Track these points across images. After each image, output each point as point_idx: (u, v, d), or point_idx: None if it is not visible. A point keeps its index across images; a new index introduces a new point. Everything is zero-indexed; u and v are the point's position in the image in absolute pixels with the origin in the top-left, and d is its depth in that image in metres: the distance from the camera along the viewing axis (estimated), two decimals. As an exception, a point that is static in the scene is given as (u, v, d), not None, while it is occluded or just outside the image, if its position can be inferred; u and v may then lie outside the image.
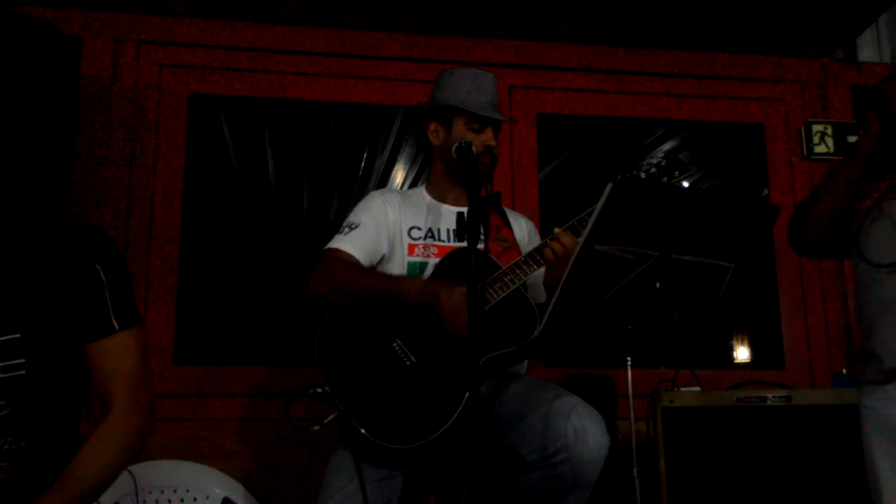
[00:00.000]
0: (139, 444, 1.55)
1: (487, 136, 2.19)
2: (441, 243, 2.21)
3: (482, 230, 1.66)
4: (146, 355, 1.60)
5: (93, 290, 1.52)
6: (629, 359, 2.29)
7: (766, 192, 3.37)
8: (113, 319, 1.53)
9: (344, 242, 2.14)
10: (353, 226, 2.17)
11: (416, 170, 4.83)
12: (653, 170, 2.05)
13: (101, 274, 1.53)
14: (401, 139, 4.45)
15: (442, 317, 1.92)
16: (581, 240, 1.67)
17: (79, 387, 1.56)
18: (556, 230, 1.99)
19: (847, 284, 3.18)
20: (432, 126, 2.27)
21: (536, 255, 2.03)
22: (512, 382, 2.02)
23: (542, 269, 2.06)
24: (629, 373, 2.30)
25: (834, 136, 3.29)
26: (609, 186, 1.60)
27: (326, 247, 2.15)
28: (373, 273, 2.13)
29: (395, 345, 1.98)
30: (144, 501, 2.37)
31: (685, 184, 2.07)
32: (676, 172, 2.04)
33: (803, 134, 3.33)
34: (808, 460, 2.37)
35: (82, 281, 1.51)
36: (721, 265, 1.79)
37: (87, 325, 1.51)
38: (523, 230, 2.35)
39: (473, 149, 2.08)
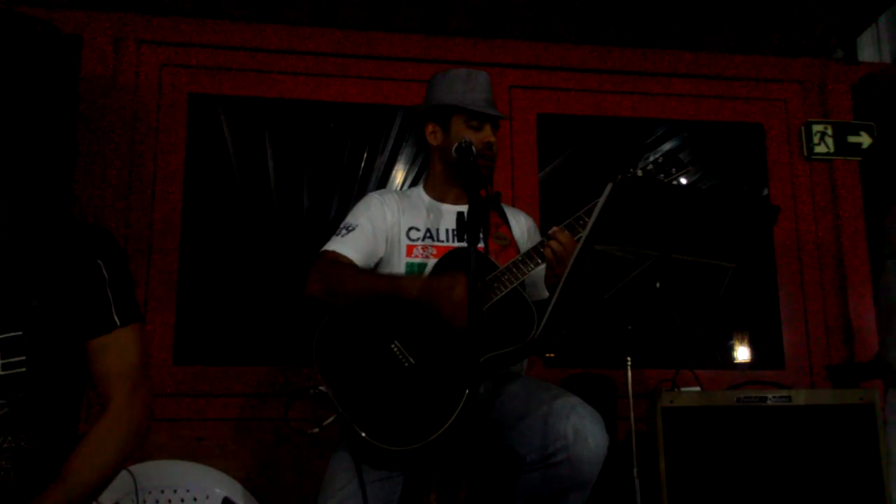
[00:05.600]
0: (138, 441, 1.55)
1: (486, 133, 2.19)
2: (440, 243, 2.20)
3: (482, 230, 1.66)
4: (146, 353, 1.60)
5: (95, 286, 1.52)
6: (629, 359, 2.28)
7: (766, 192, 3.37)
8: (114, 315, 1.53)
9: (341, 244, 2.14)
10: (351, 228, 2.17)
11: (416, 170, 4.83)
12: (650, 167, 2.05)
13: (104, 270, 1.53)
14: (401, 139, 4.45)
15: (441, 310, 1.91)
16: (581, 240, 1.68)
17: (79, 385, 1.56)
18: (553, 229, 1.99)
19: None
20: (430, 127, 2.27)
21: (534, 255, 2.03)
22: (511, 382, 2.02)
23: (541, 268, 2.06)
24: (629, 373, 2.30)
25: (834, 136, 3.29)
26: (609, 186, 1.60)
27: (323, 249, 2.15)
28: (370, 273, 2.13)
29: (393, 346, 1.98)
30: (144, 501, 2.37)
31: (683, 181, 2.06)
32: (673, 169, 2.03)
33: (803, 134, 3.33)
34: (808, 460, 2.37)
35: (84, 277, 1.51)
36: (721, 265, 1.79)
37: (89, 321, 1.52)
38: (522, 227, 2.35)
39: (474, 148, 2.08)
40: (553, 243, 1.96)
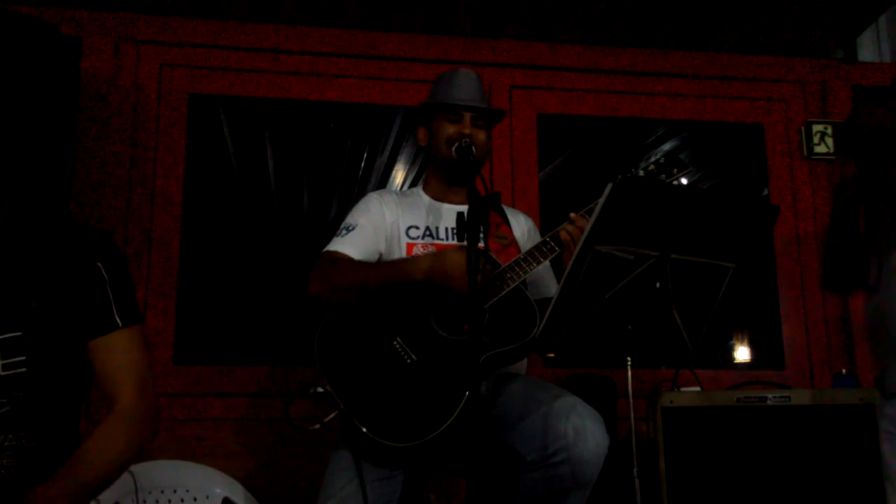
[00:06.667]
0: (145, 440, 1.55)
1: (464, 124, 2.22)
2: (440, 242, 2.21)
3: (482, 230, 1.67)
4: (149, 354, 1.60)
5: (95, 287, 1.52)
6: (629, 359, 2.29)
7: (766, 192, 3.37)
8: (116, 316, 1.53)
9: (342, 245, 2.15)
10: (351, 228, 2.19)
11: (416, 170, 4.84)
12: (651, 167, 2.06)
13: (104, 272, 1.53)
14: (401, 139, 4.46)
15: (450, 281, 1.93)
16: (581, 240, 1.68)
17: (79, 384, 1.57)
18: (573, 215, 2.04)
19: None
20: (421, 131, 2.32)
21: (536, 253, 2.04)
22: (512, 382, 2.03)
23: (542, 267, 2.07)
24: (629, 373, 2.31)
25: (834, 136, 3.29)
26: (609, 186, 1.60)
27: (324, 249, 2.17)
28: (373, 264, 2.15)
29: (395, 343, 1.98)
30: (144, 501, 2.36)
31: (684, 181, 2.07)
32: (675, 170, 2.04)
33: (803, 134, 3.33)
34: (808, 460, 2.37)
35: (85, 279, 1.52)
36: (721, 265, 1.79)
37: (90, 322, 1.52)
38: (522, 227, 2.36)
39: (461, 141, 2.13)
40: (570, 227, 2.01)
